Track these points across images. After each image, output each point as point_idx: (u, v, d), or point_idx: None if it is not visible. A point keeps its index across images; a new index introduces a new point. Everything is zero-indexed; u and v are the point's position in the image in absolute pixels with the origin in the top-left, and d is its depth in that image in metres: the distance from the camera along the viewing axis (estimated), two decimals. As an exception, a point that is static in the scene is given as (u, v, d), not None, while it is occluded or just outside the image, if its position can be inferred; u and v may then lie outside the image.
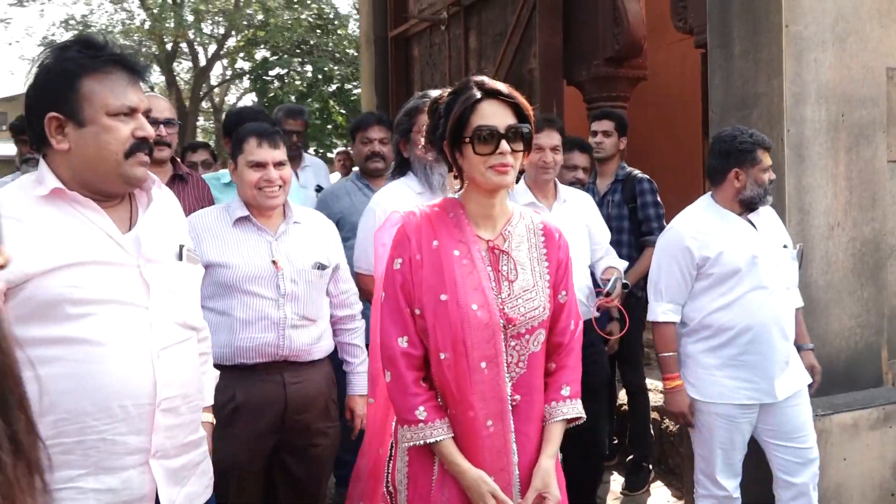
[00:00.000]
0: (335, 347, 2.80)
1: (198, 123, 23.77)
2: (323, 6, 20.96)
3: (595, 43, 5.48)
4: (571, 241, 3.24)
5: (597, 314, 3.48)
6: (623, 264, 3.56)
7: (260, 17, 20.72)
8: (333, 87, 20.27)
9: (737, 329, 2.88)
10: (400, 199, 2.83)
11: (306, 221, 2.72)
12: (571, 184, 3.84)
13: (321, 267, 2.65)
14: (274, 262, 2.57)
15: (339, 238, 2.84)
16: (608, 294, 3.24)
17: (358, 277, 2.99)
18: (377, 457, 2.04)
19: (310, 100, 19.16)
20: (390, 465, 1.96)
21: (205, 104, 23.57)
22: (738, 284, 2.88)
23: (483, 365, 1.83)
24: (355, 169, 4.28)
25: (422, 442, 1.83)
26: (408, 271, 1.86)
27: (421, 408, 1.83)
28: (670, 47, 6.15)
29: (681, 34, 5.04)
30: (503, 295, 1.88)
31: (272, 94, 19.72)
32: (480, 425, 1.84)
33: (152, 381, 1.67)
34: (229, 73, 23.46)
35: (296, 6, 20.57)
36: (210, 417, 2.11)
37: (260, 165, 2.58)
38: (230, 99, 24.41)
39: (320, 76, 20.17)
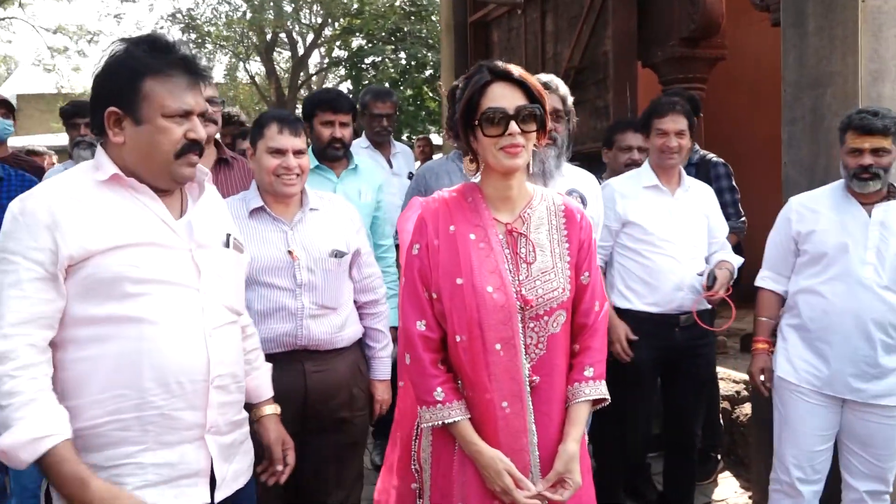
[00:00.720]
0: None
1: (297, 110, 24.42)
2: (417, -7, 21.10)
3: (670, 23, 5.36)
4: (690, 231, 3.29)
5: (707, 306, 3.37)
6: (738, 260, 3.42)
7: (355, 5, 21.06)
8: (427, 73, 20.40)
9: (815, 313, 2.85)
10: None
11: (325, 208, 2.68)
12: (627, 165, 3.78)
13: (339, 255, 2.61)
14: (290, 251, 2.56)
15: (360, 222, 2.79)
16: (709, 287, 3.18)
17: None
18: (408, 435, 2.08)
19: (402, 86, 19.37)
20: (416, 444, 2.01)
21: (303, 92, 24.19)
22: (825, 269, 2.83)
23: (498, 347, 1.85)
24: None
25: (440, 423, 1.87)
26: (425, 256, 1.90)
27: (439, 389, 1.87)
28: (751, 25, 5.92)
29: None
30: (521, 277, 1.90)
31: (367, 82, 20.04)
32: (496, 406, 1.86)
33: (206, 359, 1.74)
34: (326, 61, 23.97)
35: (390, -7, 20.81)
36: (273, 409, 2.18)
37: (279, 152, 2.56)
38: (328, 87, 24.95)
39: (413, 63, 20.34)
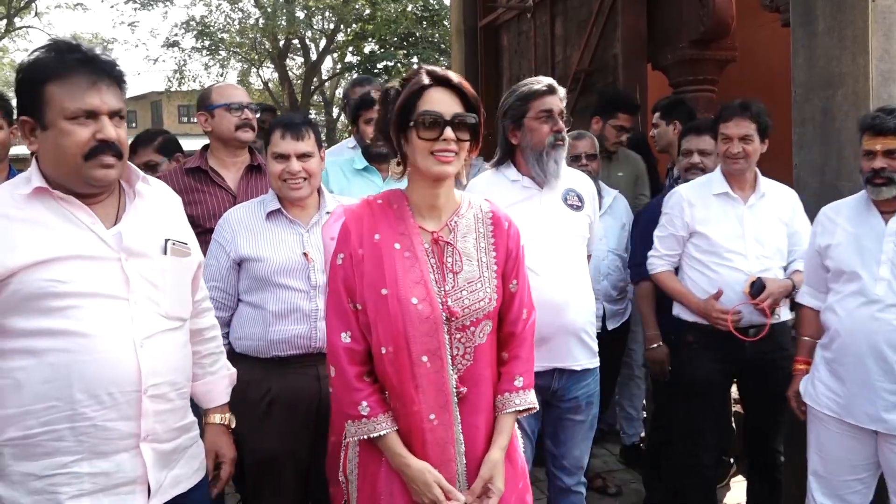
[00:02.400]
0: None
1: (310, 116, 24.50)
2: (428, -3, 21.16)
3: (680, 25, 5.33)
4: (762, 241, 3.13)
5: (765, 320, 3.12)
6: None
7: (367, 10, 21.14)
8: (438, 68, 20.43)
9: (830, 332, 2.69)
10: (493, 186, 2.77)
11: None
12: (688, 170, 3.63)
13: None
14: (305, 253, 2.59)
15: None
16: (753, 295, 3.07)
17: None
18: (336, 443, 2.03)
19: (415, 91, 19.40)
20: (343, 454, 1.96)
21: (316, 97, 24.28)
22: (845, 285, 2.65)
23: (424, 359, 1.82)
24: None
25: (366, 437, 1.85)
26: (349, 266, 1.85)
27: (364, 403, 1.83)
28: (761, 26, 5.88)
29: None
30: (447, 287, 1.87)
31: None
32: (423, 419, 1.83)
33: (136, 370, 1.72)
34: (339, 66, 24.06)
35: (401, -1, 20.87)
36: (219, 419, 2.15)
37: (283, 157, 2.59)
38: (340, 92, 25.04)
39: (426, 67, 20.36)
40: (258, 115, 3.27)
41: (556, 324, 2.68)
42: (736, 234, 3.12)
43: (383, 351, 1.83)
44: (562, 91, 2.81)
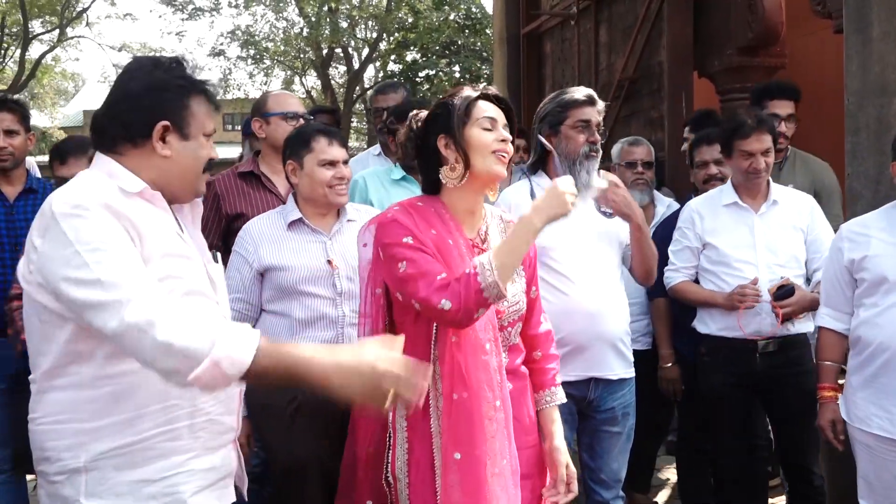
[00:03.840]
0: None
1: (352, 125, 24.70)
2: (471, 6, 21.18)
3: (728, 32, 5.23)
4: (775, 250, 3.05)
5: (788, 331, 3.09)
6: None
7: (410, 19, 21.25)
8: (481, 86, 20.45)
9: (874, 346, 2.54)
10: (525, 196, 2.76)
11: (362, 219, 2.62)
12: (706, 182, 3.56)
13: None
14: (329, 261, 2.61)
15: None
16: (777, 298, 3.00)
17: None
18: (366, 451, 2.04)
19: (456, 99, 19.44)
20: (389, 454, 1.96)
21: (358, 106, 24.46)
22: (885, 297, 2.53)
23: (488, 346, 1.89)
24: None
25: (492, 279, 1.80)
26: (424, 243, 1.89)
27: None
28: (812, 33, 5.76)
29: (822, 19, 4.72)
30: None
31: (421, 95, 20.18)
32: (492, 403, 1.88)
33: None
34: (381, 75, 24.21)
35: (445, 7, 20.92)
36: None
37: (332, 164, 2.62)
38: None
39: (468, 76, 20.41)
40: (312, 119, 3.30)
41: (592, 332, 2.66)
42: (746, 243, 3.09)
43: (453, 339, 1.87)
44: (601, 104, 2.80)
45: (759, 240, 3.09)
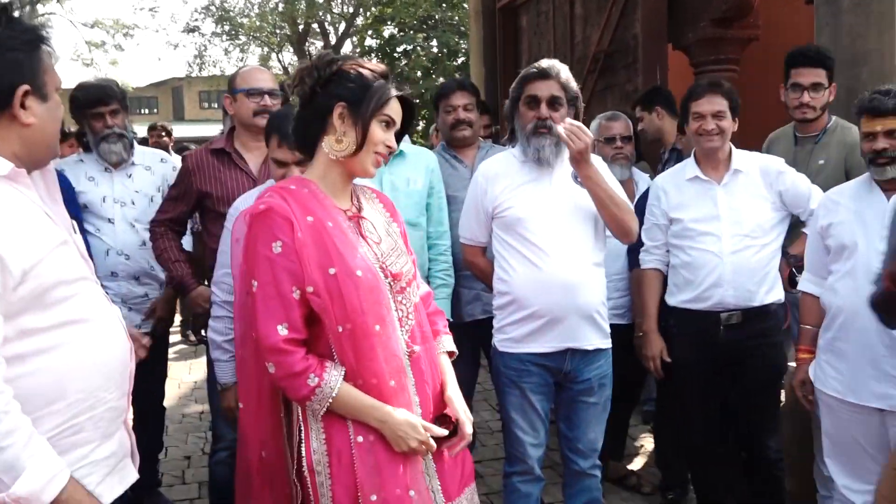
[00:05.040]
0: None
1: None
2: (448, -20, 21.01)
3: (701, 4, 5.25)
4: (739, 221, 3.02)
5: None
6: None
7: (387, -6, 21.05)
8: (459, 61, 20.33)
9: (833, 310, 2.66)
10: (503, 167, 2.81)
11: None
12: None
13: None
14: None
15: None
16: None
17: (463, 248, 3.02)
18: (259, 459, 1.97)
19: (434, 75, 19.31)
20: (303, 448, 1.87)
21: (335, 82, 24.26)
22: (845, 262, 2.63)
23: (378, 328, 1.85)
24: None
25: (330, 400, 1.81)
26: (292, 253, 1.80)
27: (311, 374, 1.80)
28: (784, 4, 5.77)
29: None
30: (379, 255, 1.93)
31: (398, 71, 20.03)
32: (384, 389, 1.86)
33: (129, 347, 1.76)
34: (358, 51, 24.01)
35: (421, -19, 20.73)
36: None
37: (281, 164, 2.54)
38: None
39: (445, 50, 20.27)
40: (281, 95, 3.21)
41: (568, 304, 2.66)
42: (710, 215, 3.07)
43: (340, 330, 1.82)
44: (563, 75, 2.75)
45: (722, 211, 3.06)
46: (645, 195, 3.62)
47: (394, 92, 1.94)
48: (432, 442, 1.89)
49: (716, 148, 3.07)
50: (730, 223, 3.04)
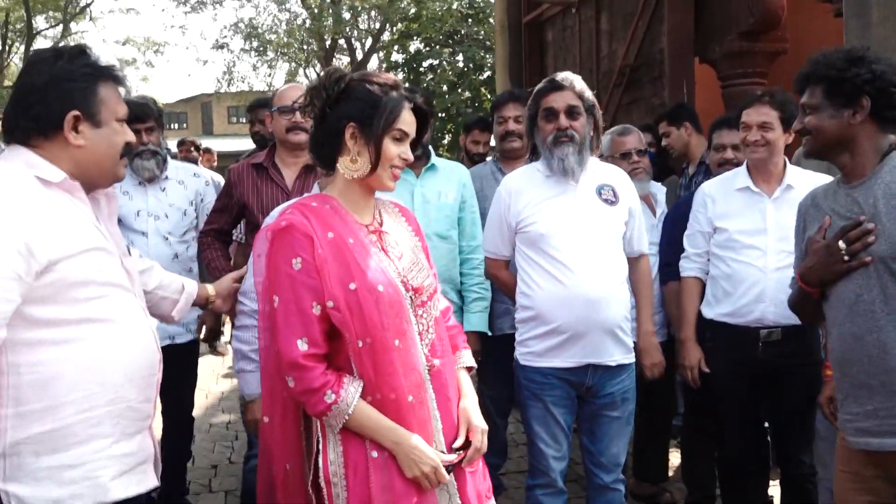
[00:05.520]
0: None
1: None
2: (474, -5, 21.13)
3: (729, 17, 5.24)
4: (786, 234, 2.79)
5: None
6: None
7: (413, 9, 21.20)
8: (485, 75, 20.41)
9: None
10: (526, 182, 2.82)
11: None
12: (720, 165, 3.50)
13: None
14: None
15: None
16: None
17: (486, 261, 3.03)
18: (284, 472, 1.96)
19: (460, 89, 19.39)
20: (320, 459, 1.88)
21: (362, 97, 24.43)
22: None
23: (397, 342, 1.85)
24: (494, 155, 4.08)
25: (346, 417, 1.82)
26: (312, 269, 1.82)
27: (328, 391, 1.81)
28: (813, 17, 5.74)
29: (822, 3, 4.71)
30: (400, 269, 1.93)
31: (425, 85, 20.13)
32: (402, 403, 1.85)
33: (158, 356, 1.89)
34: (384, 65, 24.18)
35: (447, -4, 20.87)
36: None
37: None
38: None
39: (471, 65, 20.37)
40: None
41: (591, 320, 2.65)
42: (757, 228, 3.01)
43: (360, 345, 1.82)
44: (578, 85, 2.76)
45: (770, 225, 3.00)
46: (674, 208, 3.62)
47: (405, 104, 1.93)
48: (444, 473, 1.86)
49: (761, 159, 3.01)
50: (776, 238, 2.96)
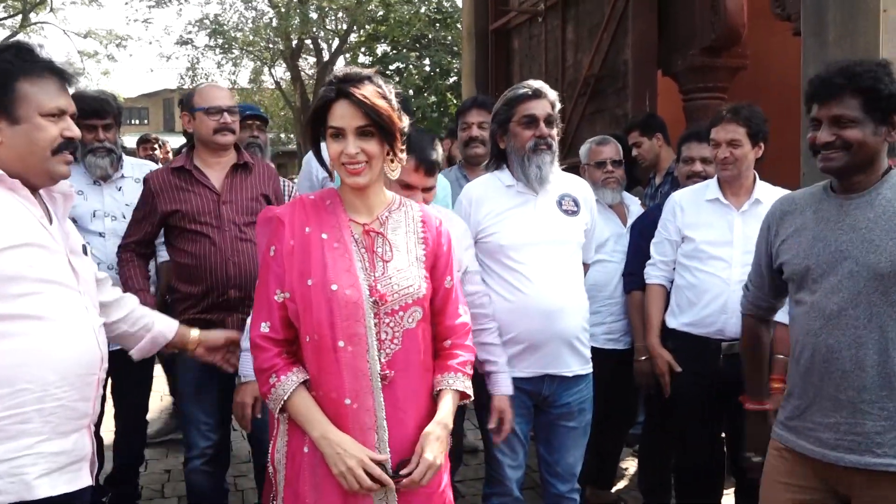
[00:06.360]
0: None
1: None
2: (442, 0, 21.16)
3: (691, 32, 5.30)
4: (751, 246, 2.73)
5: None
6: None
7: (381, 12, 21.17)
8: (451, 80, 20.45)
9: None
10: (488, 191, 2.81)
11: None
12: (689, 178, 3.55)
13: None
14: None
15: (470, 239, 2.70)
16: None
17: None
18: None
19: (426, 93, 19.42)
20: (272, 442, 1.99)
21: (328, 98, 24.28)
22: None
23: (342, 343, 1.87)
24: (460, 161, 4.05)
25: (282, 402, 1.88)
26: (280, 258, 1.92)
27: (273, 374, 1.90)
28: (773, 34, 5.85)
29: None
30: (377, 273, 1.93)
31: (391, 88, 20.09)
32: (340, 404, 1.88)
33: (99, 354, 1.88)
34: (351, 66, 24.09)
35: (415, 1, 20.87)
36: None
37: (408, 187, 2.44)
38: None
39: (437, 69, 20.40)
40: (237, 112, 3.19)
41: (549, 331, 2.67)
42: (724, 240, 3.06)
43: (307, 339, 1.90)
44: (551, 95, 2.79)
45: (736, 237, 3.04)
46: (640, 218, 3.65)
47: (335, 99, 1.88)
48: (364, 477, 1.82)
49: (732, 176, 3.07)
50: (742, 251, 2.98)
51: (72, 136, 1.85)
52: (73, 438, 1.81)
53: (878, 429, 1.98)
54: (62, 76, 1.85)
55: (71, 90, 1.88)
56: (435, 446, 1.91)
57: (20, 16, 24.46)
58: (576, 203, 2.82)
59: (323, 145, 1.99)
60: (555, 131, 2.76)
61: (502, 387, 2.62)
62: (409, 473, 1.88)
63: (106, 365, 1.92)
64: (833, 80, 2.03)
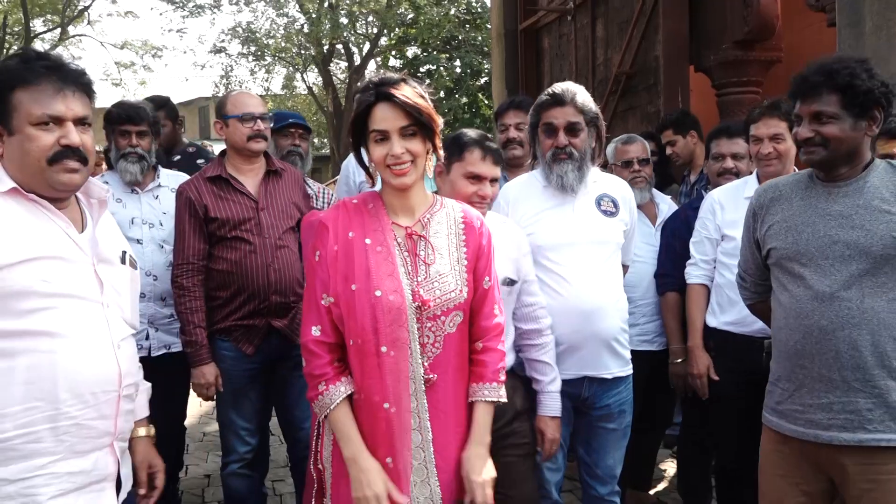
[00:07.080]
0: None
1: (353, 120, 24.67)
2: (472, 1, 21.15)
3: (723, 26, 5.25)
4: None
5: None
6: None
7: (410, 15, 21.22)
8: (481, 81, 20.42)
9: None
10: (525, 191, 2.78)
11: (496, 232, 2.33)
12: (720, 175, 3.47)
13: (509, 282, 2.47)
14: None
15: (528, 247, 2.61)
16: None
17: None
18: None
19: (457, 94, 19.41)
20: (318, 443, 2.02)
21: (360, 102, 24.42)
22: None
23: (384, 349, 1.89)
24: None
25: (328, 410, 1.92)
26: (325, 263, 1.95)
27: (322, 382, 1.93)
28: (807, 26, 5.75)
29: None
30: (419, 278, 1.95)
31: (422, 90, 20.12)
32: (379, 407, 1.91)
33: (118, 371, 1.79)
34: (382, 71, 24.20)
35: (445, 2, 20.88)
36: (144, 432, 2.04)
37: (478, 178, 2.45)
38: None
39: (468, 71, 20.39)
40: (271, 120, 3.23)
41: (587, 332, 2.63)
42: None
43: (351, 343, 1.92)
44: (580, 99, 2.70)
45: None
46: (671, 218, 3.60)
47: (374, 103, 1.91)
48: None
49: (775, 172, 2.98)
50: None
51: (69, 144, 1.74)
52: (92, 458, 1.75)
53: (868, 405, 2.05)
54: (62, 77, 1.75)
55: (76, 93, 1.77)
56: (479, 465, 1.98)
57: (59, 29, 25.00)
58: (615, 204, 2.78)
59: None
60: (581, 137, 2.69)
61: (547, 408, 2.57)
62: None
63: (131, 381, 1.85)
64: (812, 77, 2.12)
